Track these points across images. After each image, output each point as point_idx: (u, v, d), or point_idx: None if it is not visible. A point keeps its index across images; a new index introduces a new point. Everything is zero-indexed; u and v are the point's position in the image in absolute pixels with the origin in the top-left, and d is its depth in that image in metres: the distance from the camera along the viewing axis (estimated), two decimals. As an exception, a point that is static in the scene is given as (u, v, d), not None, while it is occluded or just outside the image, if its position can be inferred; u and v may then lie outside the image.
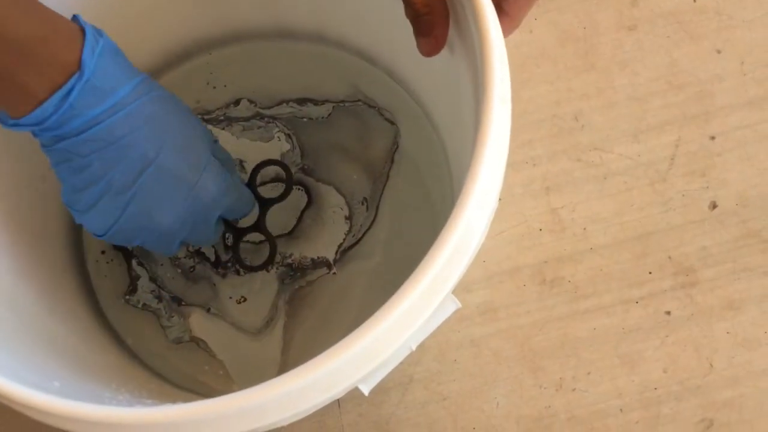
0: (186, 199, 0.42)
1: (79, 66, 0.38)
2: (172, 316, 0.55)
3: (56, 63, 0.37)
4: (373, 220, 0.56)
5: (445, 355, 0.57)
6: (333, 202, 0.57)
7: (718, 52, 0.62)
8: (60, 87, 0.37)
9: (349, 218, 0.56)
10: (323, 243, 0.56)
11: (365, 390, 0.39)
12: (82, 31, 0.38)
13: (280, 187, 0.53)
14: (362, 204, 0.57)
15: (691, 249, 0.58)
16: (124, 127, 0.40)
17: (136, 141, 0.40)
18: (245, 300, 0.55)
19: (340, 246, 0.56)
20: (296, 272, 0.55)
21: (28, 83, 0.37)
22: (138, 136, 0.40)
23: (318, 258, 0.56)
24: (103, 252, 0.56)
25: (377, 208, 0.57)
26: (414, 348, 0.38)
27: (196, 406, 0.30)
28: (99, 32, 0.39)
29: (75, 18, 0.39)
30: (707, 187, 0.59)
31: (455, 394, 0.57)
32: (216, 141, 0.48)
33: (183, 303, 0.55)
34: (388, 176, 0.57)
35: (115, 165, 0.40)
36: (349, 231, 0.56)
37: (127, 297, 0.55)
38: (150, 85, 0.42)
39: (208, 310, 0.55)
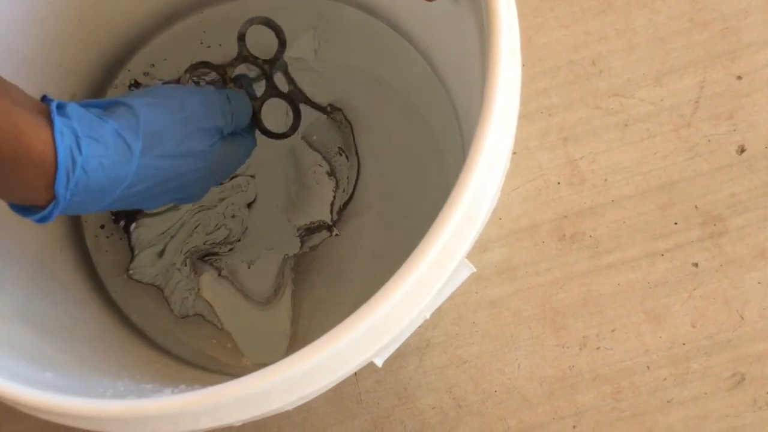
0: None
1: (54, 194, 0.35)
2: (182, 273, 0.53)
3: (30, 187, 0.35)
4: (358, 170, 0.54)
5: (463, 317, 0.55)
6: (310, 161, 0.54)
7: (744, -16, 0.58)
8: (40, 204, 0.35)
9: (331, 173, 0.54)
10: (314, 207, 0.54)
11: (379, 362, 0.37)
12: (55, 151, 0.34)
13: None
14: (340, 154, 0.54)
15: (718, 196, 0.55)
16: (139, 188, 0.39)
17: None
18: (254, 262, 0.54)
19: (332, 205, 0.54)
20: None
21: (8, 194, 0.35)
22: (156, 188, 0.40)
23: (314, 222, 0.54)
24: (102, 226, 0.54)
25: (357, 155, 0.54)
26: (428, 317, 0.36)
27: (189, 397, 0.28)
28: (78, 145, 0.35)
29: (50, 108, 0.36)
30: (735, 130, 0.56)
31: (475, 357, 0.55)
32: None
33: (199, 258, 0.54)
34: (348, 121, 0.54)
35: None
36: (337, 186, 0.54)
37: (131, 272, 0.53)
38: (151, 140, 0.39)
39: (219, 273, 0.53)
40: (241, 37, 0.50)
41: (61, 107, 0.36)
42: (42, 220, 0.36)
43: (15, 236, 0.43)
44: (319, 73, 0.54)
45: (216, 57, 0.55)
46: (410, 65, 0.53)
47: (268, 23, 0.50)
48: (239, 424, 0.31)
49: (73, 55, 0.49)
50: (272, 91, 0.51)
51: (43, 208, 0.35)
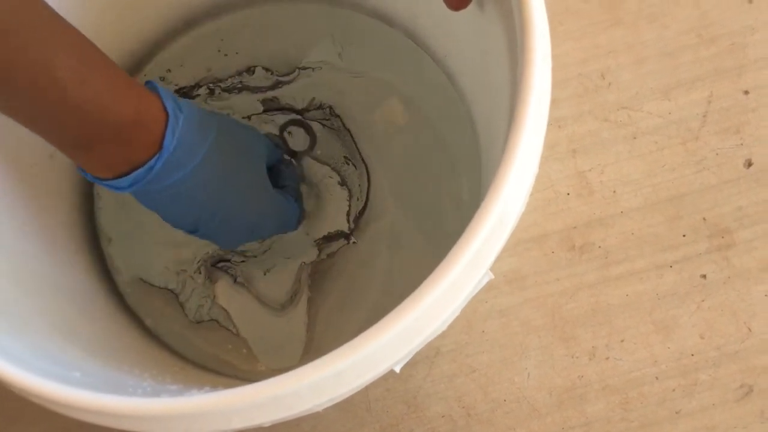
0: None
1: (160, 146, 0.40)
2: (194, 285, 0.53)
3: (140, 144, 0.39)
4: (368, 176, 0.54)
5: (473, 326, 0.55)
6: (320, 174, 0.55)
7: (750, 1, 0.59)
8: (140, 164, 0.40)
9: (343, 183, 0.54)
10: (331, 218, 0.54)
11: (397, 368, 0.37)
12: (164, 109, 0.40)
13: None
14: (347, 164, 0.55)
15: (726, 209, 0.56)
16: (199, 182, 0.42)
17: (207, 190, 0.43)
18: (270, 270, 0.54)
19: (348, 213, 0.54)
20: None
21: (112, 158, 0.39)
22: (211, 187, 0.43)
23: (331, 233, 0.54)
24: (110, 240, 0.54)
25: (364, 162, 0.55)
26: (451, 320, 0.36)
27: (225, 395, 0.28)
28: (179, 107, 0.41)
29: (151, 85, 0.41)
30: (742, 144, 0.57)
31: (484, 366, 0.55)
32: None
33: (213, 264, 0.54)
34: (346, 128, 0.55)
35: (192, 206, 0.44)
36: (350, 195, 0.54)
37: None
38: (221, 138, 0.44)
39: (235, 280, 0.53)
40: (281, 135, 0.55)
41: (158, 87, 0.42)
42: (135, 182, 0.40)
43: (34, 244, 0.43)
44: (350, 73, 0.55)
45: (233, 65, 0.55)
46: (426, 75, 0.54)
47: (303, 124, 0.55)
48: (269, 424, 0.31)
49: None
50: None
51: (133, 171, 0.40)
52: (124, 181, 0.40)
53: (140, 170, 0.40)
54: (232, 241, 0.49)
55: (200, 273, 0.53)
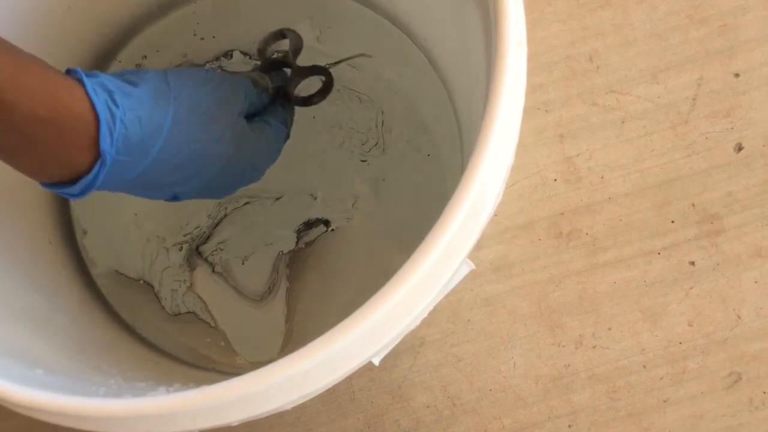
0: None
1: (97, 149, 0.35)
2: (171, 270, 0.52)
3: (66, 147, 0.34)
4: None
5: (458, 315, 0.55)
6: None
7: (741, -19, 0.58)
8: (81, 169, 0.35)
9: None
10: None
11: (376, 361, 0.37)
12: (91, 104, 0.34)
13: None
14: None
15: (715, 195, 0.55)
16: (165, 168, 0.38)
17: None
18: (249, 258, 0.53)
19: None
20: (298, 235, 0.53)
21: (38, 164, 0.35)
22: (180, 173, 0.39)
23: (311, 218, 0.53)
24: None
25: None
26: (426, 315, 0.35)
27: (187, 396, 0.27)
28: (113, 99, 0.35)
29: (77, 74, 0.35)
30: (732, 128, 0.56)
31: (470, 355, 0.54)
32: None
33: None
34: None
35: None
36: None
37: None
38: (182, 113, 0.38)
39: (213, 270, 0.52)
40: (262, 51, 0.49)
41: (88, 75, 0.36)
42: (85, 190, 0.36)
43: (5, 228, 0.42)
44: (327, 56, 0.53)
45: (210, 49, 0.54)
46: (407, 58, 0.52)
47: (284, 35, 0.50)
48: (237, 423, 0.30)
49: (62, 44, 0.47)
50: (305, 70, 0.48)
51: (79, 178, 0.35)
52: (74, 189, 0.35)
53: (89, 176, 0.35)
54: (220, 193, 0.44)
55: (180, 250, 0.52)
